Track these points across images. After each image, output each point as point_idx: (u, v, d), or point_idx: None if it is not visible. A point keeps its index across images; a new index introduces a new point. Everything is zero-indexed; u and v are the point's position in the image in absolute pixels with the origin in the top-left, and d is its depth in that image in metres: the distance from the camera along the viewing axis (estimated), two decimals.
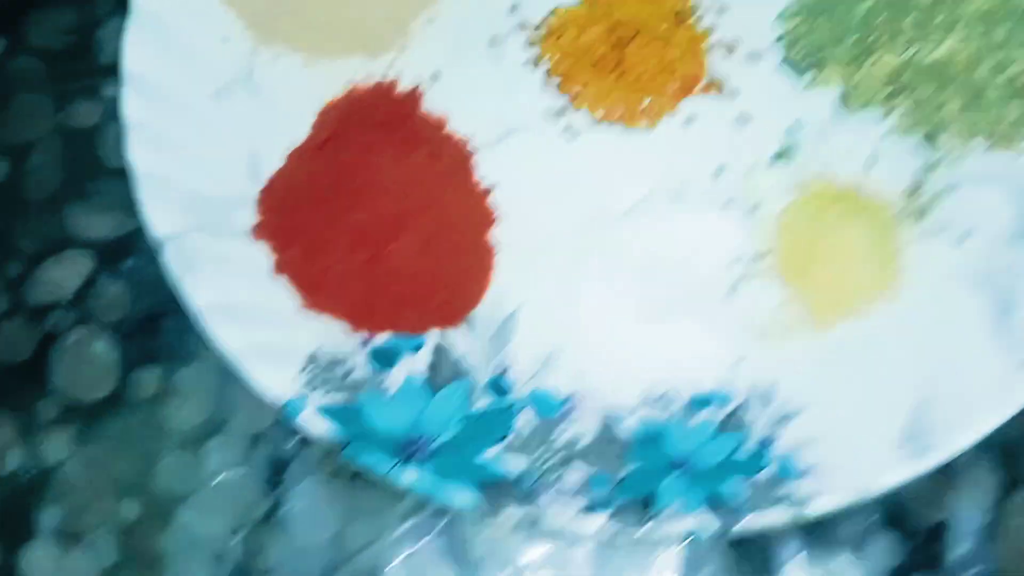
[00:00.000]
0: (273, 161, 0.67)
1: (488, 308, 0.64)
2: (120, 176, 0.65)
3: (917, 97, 0.65)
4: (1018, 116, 0.64)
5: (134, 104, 0.65)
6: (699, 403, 0.61)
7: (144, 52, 0.67)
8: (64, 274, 0.68)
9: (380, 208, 0.63)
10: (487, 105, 0.69)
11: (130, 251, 0.69)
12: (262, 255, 0.63)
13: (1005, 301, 0.60)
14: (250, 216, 0.65)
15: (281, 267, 0.63)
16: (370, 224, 0.63)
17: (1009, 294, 0.61)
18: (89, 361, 0.66)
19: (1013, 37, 0.64)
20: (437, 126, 0.69)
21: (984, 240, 0.63)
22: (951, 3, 0.65)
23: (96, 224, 0.69)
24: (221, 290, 0.61)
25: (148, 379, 0.66)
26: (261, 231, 0.64)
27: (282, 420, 0.60)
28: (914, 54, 0.65)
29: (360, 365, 0.61)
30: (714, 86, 0.68)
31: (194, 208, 0.64)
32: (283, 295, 0.62)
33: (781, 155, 0.67)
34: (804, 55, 0.68)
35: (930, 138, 0.66)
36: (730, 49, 0.69)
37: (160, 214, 0.63)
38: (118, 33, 0.69)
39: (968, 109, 0.64)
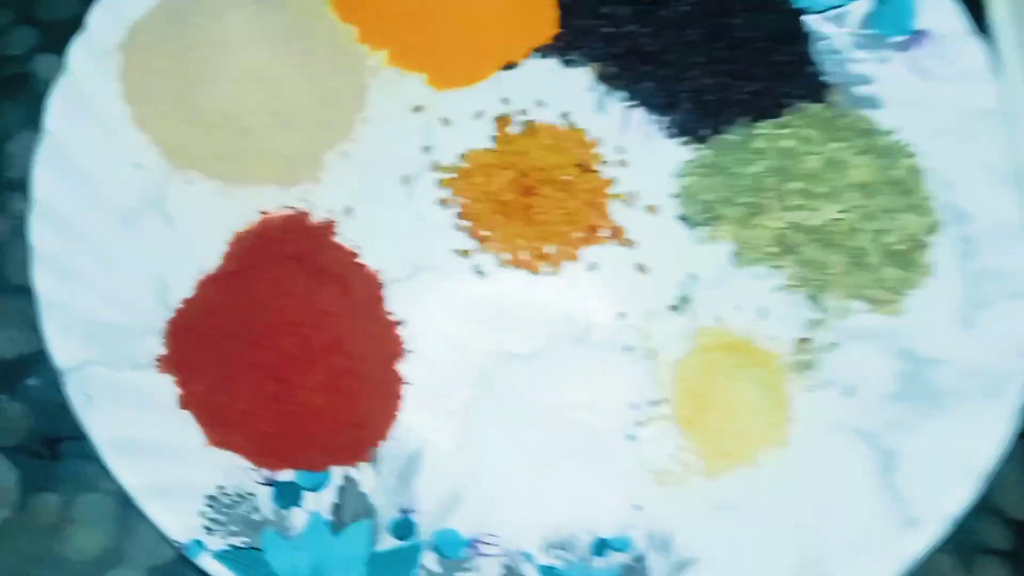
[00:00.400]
0: (182, 290, 0.67)
1: (393, 445, 0.65)
2: (24, 293, 0.65)
3: (802, 258, 0.70)
4: (896, 280, 0.69)
5: (42, 231, 0.65)
6: (600, 547, 0.63)
7: (53, 177, 0.67)
8: None
9: (288, 344, 0.63)
10: (398, 241, 0.71)
11: (31, 371, 0.67)
12: (166, 389, 0.63)
13: (889, 457, 0.64)
14: (156, 347, 0.64)
15: (186, 402, 0.63)
16: (278, 361, 0.63)
17: (893, 451, 0.65)
18: None
19: (891, 206, 0.69)
20: (348, 259, 0.70)
21: (868, 396, 0.67)
22: (834, 173, 0.70)
23: None
24: (123, 424, 0.61)
25: (46, 506, 0.64)
26: (166, 364, 0.64)
27: (183, 556, 0.59)
28: (800, 218, 0.69)
29: (263, 503, 0.61)
30: (615, 236, 0.72)
31: (99, 338, 0.63)
32: (187, 430, 0.62)
33: (677, 305, 0.70)
34: (698, 211, 0.72)
35: (815, 297, 0.70)
36: (629, 201, 0.73)
37: (63, 344, 0.62)
38: (28, 147, 0.69)
39: (850, 272, 0.69)
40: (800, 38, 0.78)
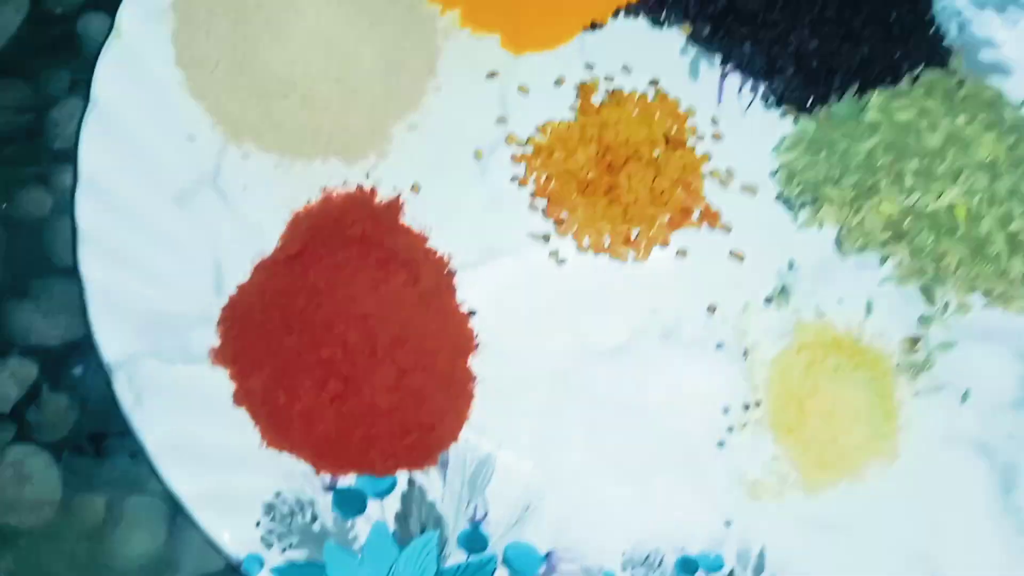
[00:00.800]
0: (238, 274, 0.62)
1: (463, 448, 0.60)
2: (70, 276, 0.61)
3: (916, 246, 0.63)
4: (1020, 273, 0.62)
5: (89, 209, 0.61)
6: (687, 566, 0.58)
7: (102, 150, 0.62)
8: (2, 384, 0.62)
9: (352, 341, 0.59)
10: (470, 223, 0.65)
11: (77, 360, 0.63)
12: (221, 384, 0.59)
13: (1010, 473, 0.58)
14: (210, 337, 0.60)
15: (241, 398, 0.59)
16: (342, 357, 0.58)
17: (1014, 466, 0.58)
18: (27, 484, 0.60)
19: (1017, 190, 0.62)
20: (416, 243, 0.64)
21: (987, 403, 0.61)
22: (956, 151, 0.62)
23: (41, 328, 0.63)
24: (175, 424, 0.57)
25: (91, 507, 0.60)
26: (221, 356, 0.60)
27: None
28: (916, 201, 0.62)
29: (323, 512, 0.57)
30: (707, 219, 0.65)
31: (150, 328, 0.59)
32: (242, 431, 0.58)
33: (775, 297, 0.64)
34: (800, 192, 0.66)
35: (929, 290, 0.63)
36: (724, 180, 0.66)
37: (112, 334, 0.58)
38: (74, 115, 0.65)
39: (970, 263, 0.62)
40: None
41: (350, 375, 0.58)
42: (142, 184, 0.63)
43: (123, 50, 0.65)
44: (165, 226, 0.62)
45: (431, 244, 0.65)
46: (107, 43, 0.65)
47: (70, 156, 0.63)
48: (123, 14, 0.65)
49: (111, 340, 0.58)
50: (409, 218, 0.65)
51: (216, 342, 0.60)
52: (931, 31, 0.70)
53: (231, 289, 0.62)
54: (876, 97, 0.66)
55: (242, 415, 0.58)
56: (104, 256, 0.60)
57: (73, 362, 0.63)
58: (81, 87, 0.65)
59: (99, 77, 0.64)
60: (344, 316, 0.59)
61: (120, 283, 0.60)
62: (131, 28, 0.65)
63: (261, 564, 0.53)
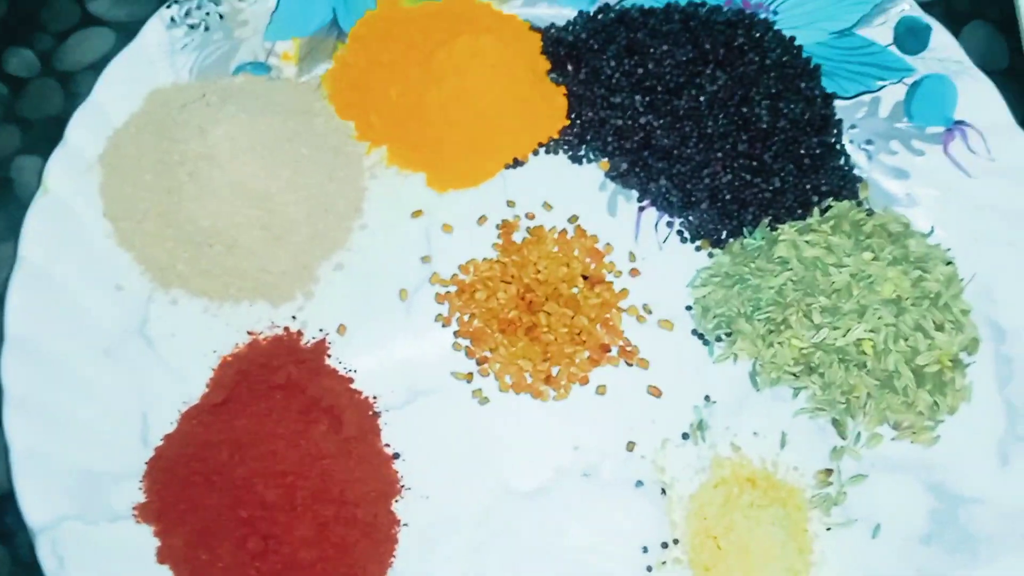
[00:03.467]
0: (165, 424, 0.64)
1: None
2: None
3: (827, 379, 0.65)
4: (929, 405, 0.64)
5: (15, 370, 0.62)
6: None
7: (29, 309, 0.64)
8: None
9: (271, 499, 0.59)
10: (394, 363, 0.67)
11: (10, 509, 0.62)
12: (144, 542, 0.60)
13: None
14: (135, 493, 0.61)
15: (164, 556, 0.60)
16: (261, 515, 0.59)
17: None
18: None
19: (923, 323, 0.64)
20: (341, 387, 0.66)
21: (897, 536, 0.62)
22: (862, 288, 0.64)
23: None
24: None
25: None
26: (145, 512, 0.61)
27: None
28: (824, 337, 0.64)
29: None
30: (625, 355, 0.67)
31: (75, 488, 0.60)
32: None
33: (692, 432, 0.65)
34: (714, 326, 0.67)
35: (839, 422, 0.65)
36: (641, 317, 0.68)
37: (36, 500, 0.59)
38: (6, 262, 0.66)
39: (877, 395, 0.64)
40: (829, 127, 0.72)
41: (270, 532, 0.59)
42: (70, 338, 0.64)
43: (51, 204, 0.66)
44: (93, 379, 0.64)
45: (356, 386, 0.66)
46: (34, 199, 0.66)
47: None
48: (51, 168, 0.67)
49: (35, 505, 0.59)
50: (335, 359, 0.67)
51: (141, 498, 0.61)
52: (840, 161, 0.72)
53: (157, 440, 0.63)
54: (787, 230, 0.68)
55: (165, 573, 0.59)
56: (30, 417, 0.61)
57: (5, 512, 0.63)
58: (14, 231, 0.66)
59: (26, 235, 0.65)
60: (264, 473, 0.60)
61: (45, 444, 0.61)
62: (58, 182, 0.67)
63: None
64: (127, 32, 0.73)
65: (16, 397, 0.61)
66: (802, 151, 0.71)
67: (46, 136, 0.70)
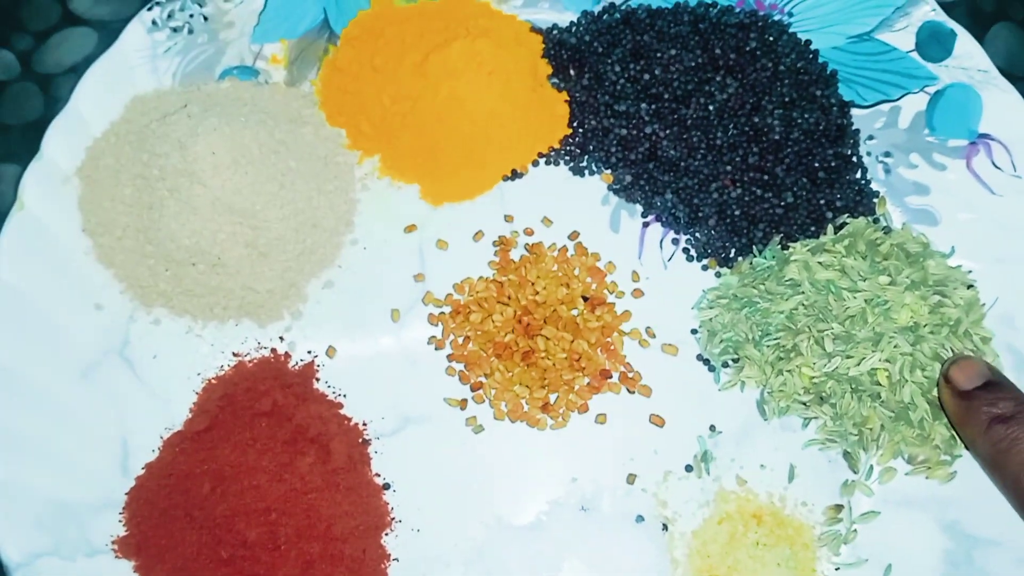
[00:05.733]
0: (145, 451, 0.61)
1: None
2: None
3: (839, 410, 0.62)
4: (944, 439, 0.60)
5: None
6: None
7: (2, 332, 0.61)
8: None
9: (253, 538, 0.57)
10: (385, 388, 0.64)
11: None
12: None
13: None
14: (114, 525, 0.59)
15: None
16: (243, 555, 0.57)
17: None
18: None
19: (942, 352, 0.60)
20: (329, 413, 0.63)
21: None
22: (877, 315, 0.61)
23: None
24: None
25: None
26: (125, 547, 0.58)
27: None
28: (837, 366, 0.61)
29: None
30: (627, 382, 0.64)
31: (51, 522, 0.58)
32: None
33: (696, 464, 0.62)
34: (721, 352, 0.64)
35: (851, 455, 0.62)
36: (644, 341, 0.65)
37: (11, 535, 0.57)
38: None
39: (891, 428, 0.61)
40: (845, 138, 0.68)
41: (252, 573, 0.56)
42: (46, 360, 0.62)
43: (27, 221, 0.63)
44: (70, 404, 0.61)
45: (345, 411, 0.63)
46: (10, 215, 0.63)
47: None
48: (26, 182, 0.64)
49: (10, 541, 0.57)
50: (323, 383, 0.64)
51: (120, 530, 0.59)
52: (856, 174, 0.68)
53: (138, 468, 0.60)
54: (799, 249, 0.64)
55: None
56: (5, 448, 0.58)
57: None
58: None
59: (1, 253, 0.62)
60: (245, 511, 0.58)
61: (22, 476, 0.58)
62: (34, 197, 0.64)
63: None
64: (110, 32, 0.70)
65: None
66: (816, 164, 0.67)
67: (25, 142, 0.67)
